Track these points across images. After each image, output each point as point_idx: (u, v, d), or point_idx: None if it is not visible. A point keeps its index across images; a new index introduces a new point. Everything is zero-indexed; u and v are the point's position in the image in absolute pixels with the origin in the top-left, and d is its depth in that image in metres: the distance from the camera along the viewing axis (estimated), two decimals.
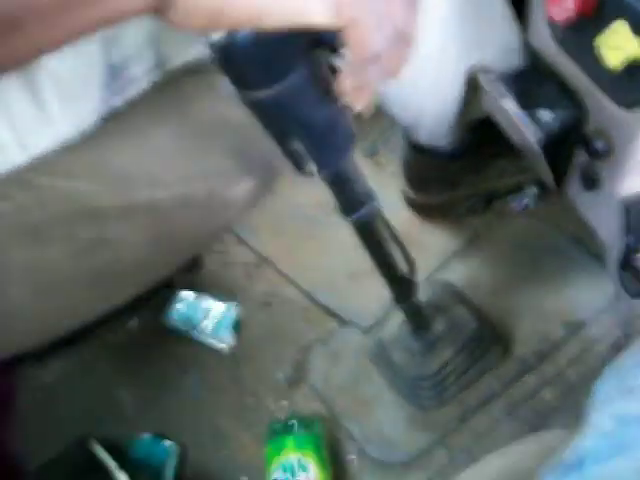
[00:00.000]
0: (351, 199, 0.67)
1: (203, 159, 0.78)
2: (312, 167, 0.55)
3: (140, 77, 0.77)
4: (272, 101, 0.48)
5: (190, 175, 0.77)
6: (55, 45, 0.39)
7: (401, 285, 0.90)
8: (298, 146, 0.53)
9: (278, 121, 0.51)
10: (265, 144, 0.76)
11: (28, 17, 0.35)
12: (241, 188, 0.80)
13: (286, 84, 0.47)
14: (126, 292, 0.85)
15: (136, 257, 0.79)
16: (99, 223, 0.73)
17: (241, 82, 0.47)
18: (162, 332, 1.34)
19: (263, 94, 0.47)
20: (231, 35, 0.43)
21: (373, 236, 0.76)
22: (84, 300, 0.80)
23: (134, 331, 1.36)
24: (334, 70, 0.50)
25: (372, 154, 1.45)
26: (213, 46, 0.44)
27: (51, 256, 0.73)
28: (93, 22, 0.38)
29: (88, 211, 0.72)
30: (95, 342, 1.34)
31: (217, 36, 0.43)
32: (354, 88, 0.48)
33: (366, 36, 0.43)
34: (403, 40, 0.47)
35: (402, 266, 0.87)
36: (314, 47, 0.48)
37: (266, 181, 0.84)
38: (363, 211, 0.68)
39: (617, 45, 0.75)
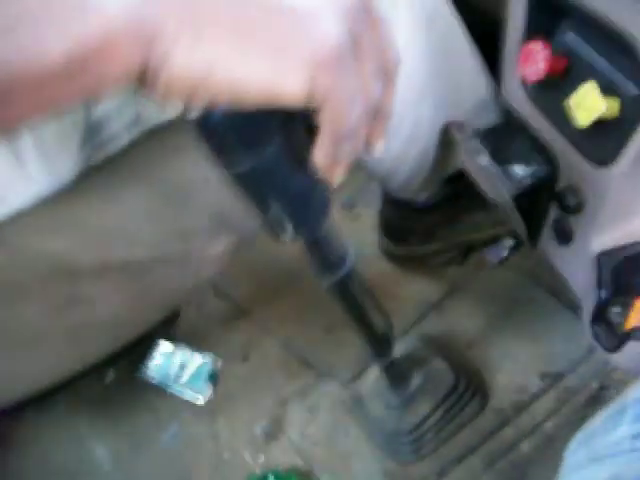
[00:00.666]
0: (327, 261, 0.68)
1: (182, 218, 0.78)
2: (290, 233, 0.56)
3: (119, 134, 0.77)
4: (249, 173, 0.49)
5: (168, 234, 0.77)
6: (37, 116, 0.40)
7: (378, 342, 0.90)
8: (276, 214, 0.53)
9: (255, 190, 0.52)
10: (244, 203, 0.77)
11: (9, 93, 0.36)
12: (220, 245, 0.81)
13: (263, 157, 0.47)
14: (103, 349, 0.85)
15: (112, 314, 0.78)
16: (75, 281, 0.73)
17: (219, 156, 0.48)
18: (138, 385, 1.32)
19: (240, 167, 0.48)
20: (208, 111, 0.44)
21: (349, 296, 0.76)
22: (60, 357, 0.80)
23: (110, 384, 1.34)
24: (311, 134, 0.50)
25: (350, 207, 1.46)
26: (191, 122, 0.45)
27: (26, 314, 0.73)
28: (75, 95, 0.39)
29: (64, 269, 0.72)
30: (70, 395, 1.32)
31: (195, 113, 0.44)
32: (328, 163, 0.48)
33: (340, 113, 0.43)
34: (379, 115, 0.48)
35: (379, 323, 0.87)
36: (290, 120, 0.49)
37: (246, 238, 0.84)
38: (339, 272, 0.69)
39: (586, 106, 0.77)
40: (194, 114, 0.44)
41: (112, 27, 0.36)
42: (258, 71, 0.40)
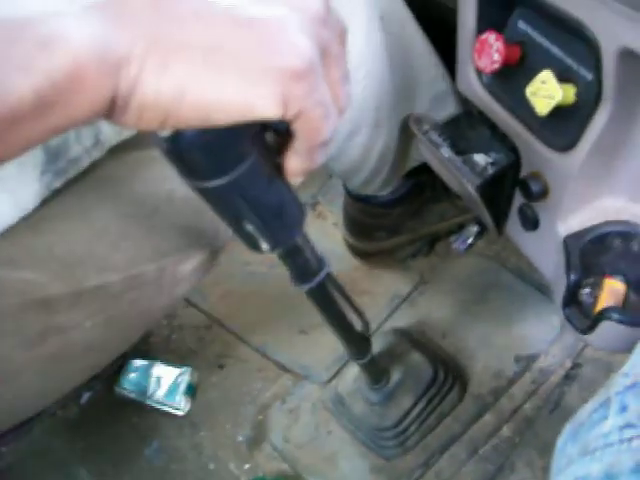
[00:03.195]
0: (304, 269, 0.67)
1: (152, 238, 0.77)
2: (265, 245, 0.55)
3: (79, 158, 0.76)
4: (223, 189, 0.48)
5: (139, 255, 0.76)
6: (5, 159, 0.39)
7: (356, 342, 0.90)
8: (250, 228, 0.53)
9: (229, 207, 0.51)
10: (213, 215, 0.76)
11: None
12: (192, 262, 0.80)
13: (237, 173, 0.47)
14: (80, 376, 0.83)
15: (88, 342, 0.77)
16: (48, 312, 0.71)
17: (190, 174, 0.47)
18: (116, 403, 1.31)
19: (213, 184, 0.47)
20: (179, 131, 0.43)
21: (327, 300, 0.76)
22: (36, 390, 0.78)
23: (86, 404, 1.32)
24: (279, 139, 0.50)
25: (313, 205, 1.46)
26: (160, 142, 0.44)
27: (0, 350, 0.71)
28: (45, 133, 0.38)
29: (36, 301, 0.70)
30: (46, 420, 1.30)
31: (164, 132, 0.43)
32: (302, 171, 0.48)
33: (316, 123, 0.43)
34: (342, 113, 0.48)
35: (356, 323, 0.87)
36: (262, 132, 0.48)
37: (216, 251, 0.83)
38: (316, 279, 0.69)
39: (544, 94, 0.77)
40: (163, 134, 0.43)
41: (80, 58, 0.35)
42: (230, 91, 0.39)
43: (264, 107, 0.40)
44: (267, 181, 0.50)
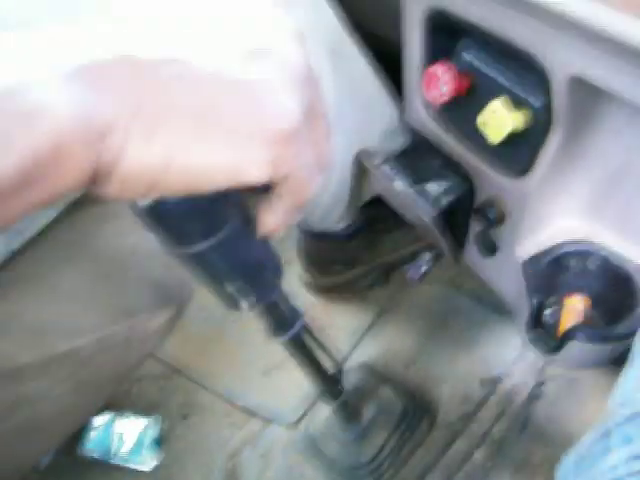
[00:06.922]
0: (280, 322, 0.67)
1: (120, 298, 0.75)
2: (245, 304, 0.54)
3: (37, 216, 0.73)
4: (204, 254, 0.47)
5: (109, 316, 0.74)
6: None
7: (330, 386, 0.89)
8: (231, 288, 0.52)
9: (210, 269, 0.50)
10: (179, 269, 0.74)
11: None
12: (160, 319, 0.78)
13: (219, 236, 0.46)
14: (49, 445, 0.81)
15: (57, 409, 0.74)
16: (18, 382, 0.69)
17: (172, 240, 0.46)
18: (78, 465, 1.26)
19: (195, 250, 0.46)
20: (160, 199, 0.42)
21: (303, 349, 0.75)
22: (5, 460, 0.75)
23: (46, 469, 1.27)
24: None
25: None
26: (139, 211, 0.43)
27: None
28: (24, 210, 0.36)
29: (4, 372, 0.68)
30: None
31: (144, 201, 0.42)
32: (280, 227, 0.48)
33: (302, 185, 0.42)
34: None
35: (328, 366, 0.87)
36: (246, 195, 0.47)
37: (183, 305, 0.82)
38: (293, 330, 0.68)
39: (495, 123, 0.78)
40: (143, 202, 0.42)
41: (64, 131, 0.33)
42: (219, 158, 0.38)
43: (254, 172, 0.39)
44: (248, 240, 0.49)
